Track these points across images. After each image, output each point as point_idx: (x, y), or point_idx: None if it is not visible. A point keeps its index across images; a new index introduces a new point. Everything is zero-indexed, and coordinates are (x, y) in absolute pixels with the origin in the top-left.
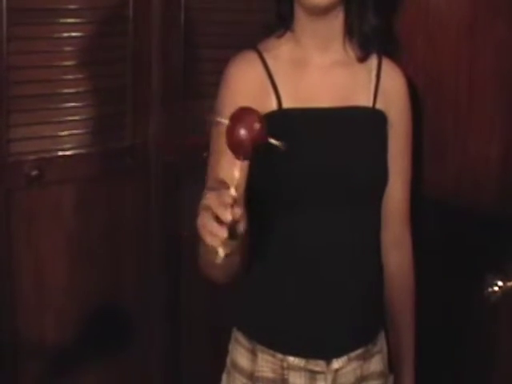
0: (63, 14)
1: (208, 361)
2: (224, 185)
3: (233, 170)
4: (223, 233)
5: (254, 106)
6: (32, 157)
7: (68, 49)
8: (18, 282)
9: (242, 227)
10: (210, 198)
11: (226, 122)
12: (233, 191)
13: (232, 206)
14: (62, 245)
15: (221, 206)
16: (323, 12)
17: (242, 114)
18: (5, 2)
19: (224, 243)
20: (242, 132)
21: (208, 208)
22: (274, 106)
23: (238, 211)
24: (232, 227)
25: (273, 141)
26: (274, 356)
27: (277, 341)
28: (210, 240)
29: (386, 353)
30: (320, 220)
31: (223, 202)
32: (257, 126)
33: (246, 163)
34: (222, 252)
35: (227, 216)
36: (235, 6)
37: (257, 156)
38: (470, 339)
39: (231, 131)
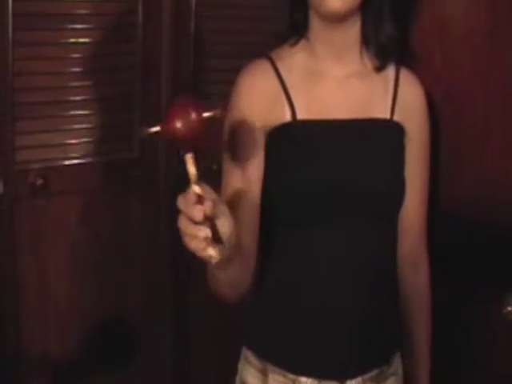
0: (71, 19)
1: (216, 379)
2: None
3: (187, 166)
4: (202, 232)
5: (267, 116)
6: (37, 165)
7: (75, 55)
8: (22, 293)
9: (226, 226)
10: (179, 202)
11: (155, 128)
12: (194, 187)
13: (199, 203)
14: (67, 256)
15: (187, 205)
16: (340, 19)
17: (173, 109)
18: (10, 7)
19: (208, 243)
20: (175, 124)
21: (181, 212)
22: (287, 117)
23: (208, 205)
24: (212, 226)
25: (207, 114)
26: (285, 376)
27: (289, 360)
28: (193, 244)
29: (401, 375)
30: (333, 236)
31: (188, 200)
32: (191, 115)
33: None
34: (213, 252)
35: (196, 213)
36: (246, 15)
37: (270, 170)
38: (486, 359)
39: (165, 128)
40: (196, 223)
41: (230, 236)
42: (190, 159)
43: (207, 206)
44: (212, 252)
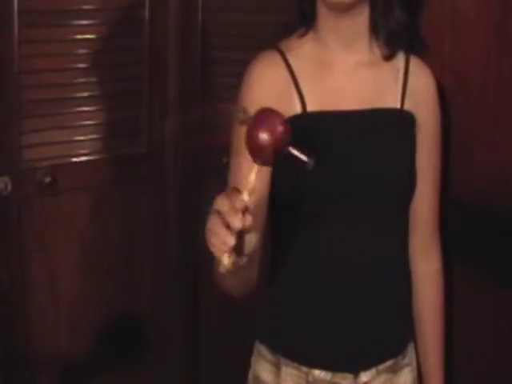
0: (76, 15)
1: (228, 374)
2: (238, 189)
3: (249, 174)
4: (230, 240)
5: (277, 108)
6: (45, 163)
7: (81, 51)
8: (31, 291)
9: (252, 242)
10: (220, 202)
11: (249, 115)
12: (245, 196)
13: (243, 213)
14: (76, 254)
15: (231, 211)
16: (347, 9)
17: (265, 115)
18: (16, 4)
19: (230, 252)
20: (263, 134)
21: (218, 212)
22: (297, 109)
23: (249, 219)
24: (240, 237)
25: (297, 153)
26: (298, 369)
27: (302, 353)
28: (215, 247)
29: (415, 365)
30: (346, 228)
31: (234, 206)
32: (280, 129)
33: (264, 169)
34: (226, 261)
35: (236, 222)
36: (253, 7)
37: (278, 164)
38: (499, 350)
39: (252, 132)
40: (228, 229)
41: (252, 252)
42: (255, 168)
43: (248, 220)
44: (226, 260)
